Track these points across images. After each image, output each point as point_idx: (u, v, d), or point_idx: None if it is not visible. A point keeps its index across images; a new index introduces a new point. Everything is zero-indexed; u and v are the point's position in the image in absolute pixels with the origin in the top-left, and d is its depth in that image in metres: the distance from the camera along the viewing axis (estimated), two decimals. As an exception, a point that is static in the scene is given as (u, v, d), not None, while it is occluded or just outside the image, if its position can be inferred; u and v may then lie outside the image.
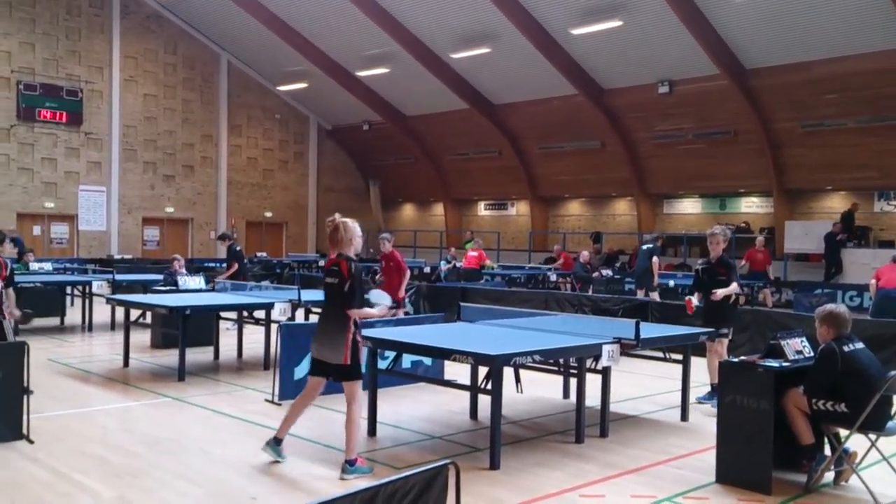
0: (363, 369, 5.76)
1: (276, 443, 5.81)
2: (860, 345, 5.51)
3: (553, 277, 18.90)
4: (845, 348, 5.37)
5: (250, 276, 16.53)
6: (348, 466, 5.52)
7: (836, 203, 22.26)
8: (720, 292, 7.67)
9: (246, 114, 29.62)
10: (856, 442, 5.43)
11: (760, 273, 17.30)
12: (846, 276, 18.73)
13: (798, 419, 5.49)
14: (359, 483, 5.34)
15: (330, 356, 5.56)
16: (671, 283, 16.45)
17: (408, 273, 11.72)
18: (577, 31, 20.38)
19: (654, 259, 14.33)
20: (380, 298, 6.09)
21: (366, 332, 6.83)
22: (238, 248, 14.56)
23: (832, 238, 19.04)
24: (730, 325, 7.90)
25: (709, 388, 7.90)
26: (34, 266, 15.47)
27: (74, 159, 25.59)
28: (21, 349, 6.21)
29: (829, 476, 5.57)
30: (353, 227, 5.71)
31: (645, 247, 14.74)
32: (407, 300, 13.63)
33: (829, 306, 5.65)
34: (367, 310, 5.75)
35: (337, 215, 5.83)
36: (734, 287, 7.74)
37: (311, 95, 29.66)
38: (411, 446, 6.39)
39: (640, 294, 14.04)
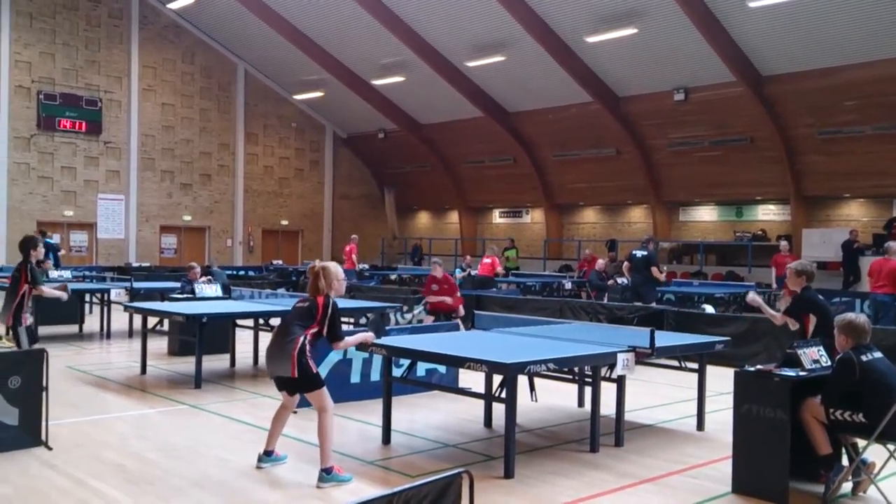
0: (323, 378, 5.78)
1: (266, 455, 5.88)
2: (878, 354, 5.46)
3: (568, 286, 18.83)
4: (863, 357, 5.33)
5: (266, 283, 16.77)
6: (325, 475, 5.53)
7: (854, 210, 22.08)
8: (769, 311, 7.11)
9: (262, 122, 29.80)
10: (874, 452, 5.38)
11: (782, 278, 17.06)
12: (864, 285, 18.55)
13: (815, 429, 5.44)
14: (336, 492, 5.39)
15: (277, 370, 5.61)
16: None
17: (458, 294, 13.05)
18: (592, 39, 20.37)
19: (654, 269, 13.59)
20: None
21: (381, 339, 6.86)
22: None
23: (850, 246, 18.88)
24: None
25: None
26: (53, 274, 15.62)
27: (93, 168, 25.85)
28: (40, 356, 6.28)
29: (847, 487, 5.52)
30: (335, 270, 5.73)
31: (640, 254, 13.73)
32: (422, 310, 13.65)
33: (848, 315, 5.61)
34: (348, 339, 5.92)
35: (317, 262, 5.90)
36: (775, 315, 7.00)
37: (326, 104, 29.82)
38: (425, 454, 6.40)
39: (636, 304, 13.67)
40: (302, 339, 5.52)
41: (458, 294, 13.13)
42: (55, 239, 20.92)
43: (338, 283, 5.72)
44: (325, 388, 5.64)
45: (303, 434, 6.67)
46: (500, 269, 19.31)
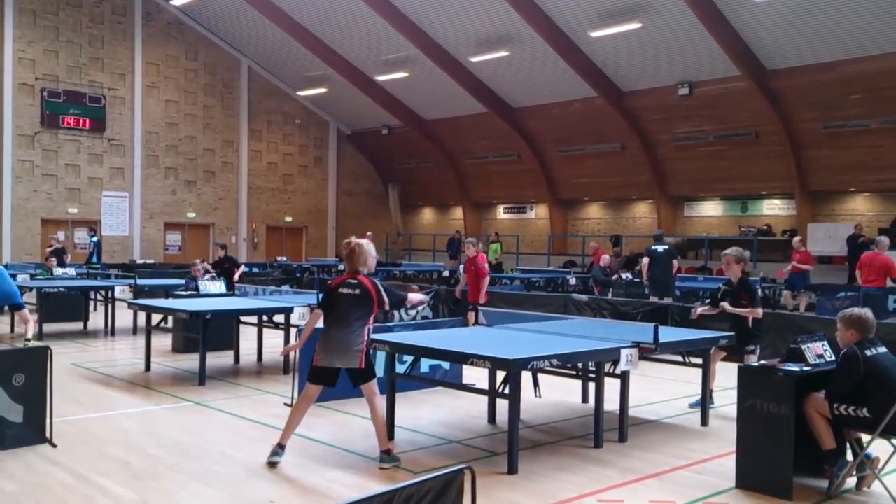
0: (376, 372, 6.12)
1: (280, 449, 5.92)
2: (883, 349, 5.45)
3: (572, 281, 18.80)
4: (867, 352, 5.31)
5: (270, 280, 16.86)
6: (386, 457, 5.84)
7: (860, 205, 22.01)
8: (734, 310, 7.61)
9: (266, 119, 29.82)
10: (878, 447, 5.36)
11: (802, 276, 17.03)
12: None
13: (819, 424, 5.43)
14: (339, 488, 5.39)
15: (343, 362, 5.87)
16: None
17: (486, 279, 12.44)
18: (595, 34, 20.33)
19: (675, 263, 14.15)
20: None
21: (384, 336, 6.88)
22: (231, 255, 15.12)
23: (855, 240, 18.81)
24: (756, 342, 7.77)
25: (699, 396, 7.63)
26: (57, 271, 15.65)
27: (97, 165, 25.90)
28: (44, 354, 6.30)
29: (851, 482, 5.51)
30: (369, 248, 6.09)
31: (661, 248, 14.04)
32: (427, 305, 13.64)
33: (854, 310, 5.60)
34: (412, 296, 6.48)
35: (353, 238, 6.18)
36: (747, 311, 7.56)
37: (330, 100, 29.82)
38: (429, 451, 6.40)
39: (652, 300, 13.76)
40: (367, 331, 5.90)
41: (483, 284, 12.27)
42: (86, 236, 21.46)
43: (371, 259, 6.08)
44: (375, 379, 5.95)
45: (309, 431, 6.68)
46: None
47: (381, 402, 5.94)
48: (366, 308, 5.86)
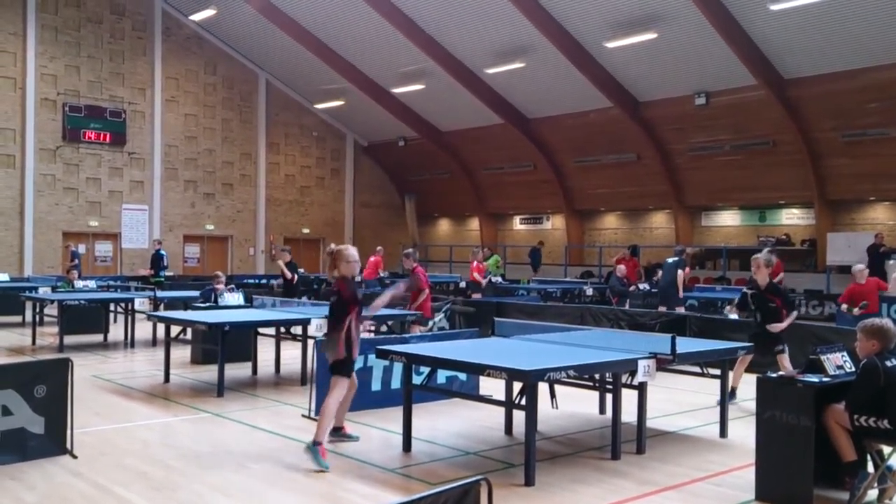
0: (354, 368, 6.61)
1: (334, 431, 6.59)
2: (903, 359, 5.39)
3: (589, 292, 18.73)
4: (888, 363, 5.26)
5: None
6: (311, 446, 6.06)
7: (880, 214, 21.81)
8: (782, 326, 8.04)
9: (284, 132, 30.04)
10: (900, 459, 5.31)
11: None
12: (891, 289, 18.27)
13: (839, 435, 5.38)
14: (355, 497, 5.38)
15: (331, 356, 6.38)
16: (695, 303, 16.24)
17: (425, 291, 11.56)
18: (611, 45, 20.33)
19: (679, 273, 14.12)
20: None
21: (401, 347, 6.89)
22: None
23: (875, 250, 18.63)
24: (783, 342, 8.20)
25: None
26: (78, 284, 15.82)
27: (118, 179, 26.17)
28: (65, 366, 6.37)
29: (873, 494, 5.44)
30: (347, 253, 6.48)
31: (671, 260, 14.58)
32: (443, 317, 13.64)
33: (875, 321, 5.54)
34: (376, 301, 6.87)
35: (332, 245, 6.68)
36: (793, 316, 8.08)
37: (347, 113, 29.99)
38: (446, 462, 6.40)
39: (661, 309, 13.87)
40: (347, 322, 6.31)
41: (424, 296, 11.47)
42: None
43: (346, 264, 6.43)
44: (345, 380, 6.34)
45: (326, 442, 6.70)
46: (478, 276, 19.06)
47: (332, 400, 6.23)
48: (342, 308, 6.32)
